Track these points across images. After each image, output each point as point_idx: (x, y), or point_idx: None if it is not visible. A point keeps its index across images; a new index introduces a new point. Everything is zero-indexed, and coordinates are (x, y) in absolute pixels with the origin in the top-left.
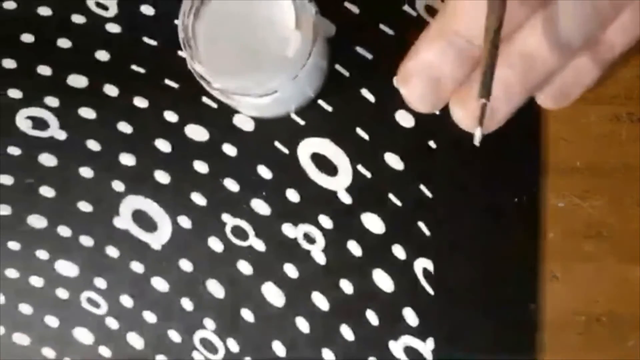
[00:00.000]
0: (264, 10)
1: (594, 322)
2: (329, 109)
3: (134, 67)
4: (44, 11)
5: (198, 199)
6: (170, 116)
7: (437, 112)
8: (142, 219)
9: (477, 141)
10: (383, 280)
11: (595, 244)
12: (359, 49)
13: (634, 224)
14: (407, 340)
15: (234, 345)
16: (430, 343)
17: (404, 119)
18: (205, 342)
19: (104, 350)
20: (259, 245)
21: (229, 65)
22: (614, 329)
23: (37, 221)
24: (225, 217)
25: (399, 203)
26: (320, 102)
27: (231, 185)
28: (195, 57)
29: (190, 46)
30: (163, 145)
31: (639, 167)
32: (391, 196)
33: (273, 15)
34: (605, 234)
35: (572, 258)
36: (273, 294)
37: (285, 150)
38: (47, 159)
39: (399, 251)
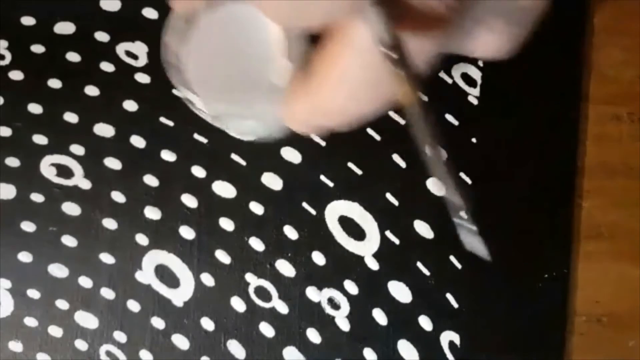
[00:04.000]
0: (253, 36)
1: (594, 323)
2: (359, 172)
3: (163, 120)
4: (73, 57)
5: (222, 256)
6: (198, 171)
7: (469, 183)
8: (165, 275)
9: None
10: (408, 351)
11: (596, 244)
12: (392, 114)
13: (634, 224)
14: None
15: None
16: None
17: (436, 187)
18: None
19: None
20: (282, 308)
21: (217, 90)
22: (615, 329)
23: (58, 270)
24: (249, 277)
25: (427, 272)
26: (350, 164)
27: (256, 244)
28: (181, 81)
29: (177, 69)
30: (189, 200)
31: (639, 167)
32: (419, 265)
33: (263, 41)
34: (606, 234)
35: (572, 258)
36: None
37: (313, 212)
38: (71, 208)
39: (425, 322)
